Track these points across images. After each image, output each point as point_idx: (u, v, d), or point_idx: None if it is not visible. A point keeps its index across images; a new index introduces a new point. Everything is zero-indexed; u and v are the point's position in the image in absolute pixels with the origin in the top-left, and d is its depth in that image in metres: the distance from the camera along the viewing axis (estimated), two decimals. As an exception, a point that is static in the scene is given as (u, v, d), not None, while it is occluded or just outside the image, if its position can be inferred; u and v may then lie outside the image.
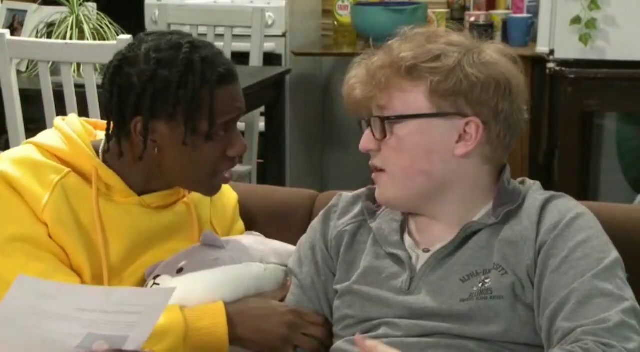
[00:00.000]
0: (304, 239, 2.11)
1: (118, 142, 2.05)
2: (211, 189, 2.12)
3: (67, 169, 2.06)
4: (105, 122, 2.09)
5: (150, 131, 2.01)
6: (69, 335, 1.75)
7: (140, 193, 2.10)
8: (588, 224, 1.90)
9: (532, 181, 2.02)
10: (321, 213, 2.11)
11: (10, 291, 1.69)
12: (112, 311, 1.73)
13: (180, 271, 2.06)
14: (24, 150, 2.09)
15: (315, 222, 2.10)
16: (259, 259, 2.11)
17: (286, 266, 2.12)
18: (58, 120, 2.15)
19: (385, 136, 1.91)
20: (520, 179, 2.01)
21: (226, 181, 2.12)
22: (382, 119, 1.91)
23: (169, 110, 1.99)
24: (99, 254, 2.05)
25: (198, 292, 2.03)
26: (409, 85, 1.89)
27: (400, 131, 1.90)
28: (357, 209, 2.05)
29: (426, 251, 1.95)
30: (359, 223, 2.04)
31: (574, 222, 1.88)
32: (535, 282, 1.85)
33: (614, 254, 1.87)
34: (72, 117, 2.17)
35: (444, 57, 1.88)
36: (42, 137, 2.12)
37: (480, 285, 1.87)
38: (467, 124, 1.88)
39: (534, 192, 1.96)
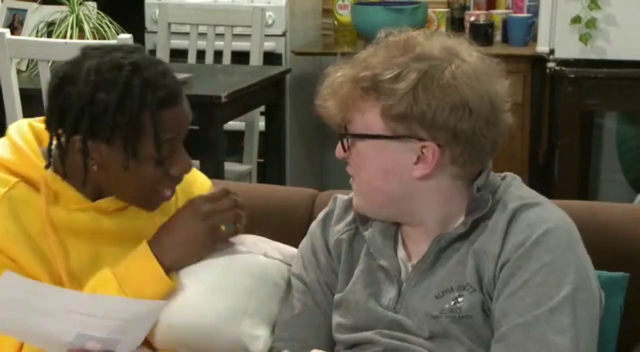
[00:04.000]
0: (305, 244, 2.10)
1: (60, 158, 2.01)
2: (149, 206, 2.08)
3: (15, 180, 2.02)
4: None
5: (90, 150, 1.97)
6: (61, 332, 1.76)
7: (94, 198, 2.06)
8: (556, 242, 1.84)
9: (512, 177, 1.97)
10: (319, 218, 2.10)
11: None
12: (100, 316, 1.74)
13: None
14: None
15: (315, 227, 2.09)
16: (263, 254, 2.11)
17: (288, 264, 2.12)
18: (10, 128, 2.11)
19: (345, 151, 1.93)
20: (502, 174, 1.98)
21: (167, 199, 2.07)
22: (341, 136, 1.92)
23: (107, 134, 1.95)
24: (54, 262, 2.02)
25: (207, 280, 2.02)
26: (367, 106, 1.88)
27: (359, 149, 1.91)
28: (350, 215, 2.04)
29: (414, 265, 1.95)
30: (354, 230, 2.03)
31: (541, 241, 1.84)
32: (494, 298, 1.84)
33: (580, 275, 1.83)
34: (22, 123, 2.13)
35: (402, 77, 1.84)
36: None
37: (452, 303, 1.87)
38: (423, 146, 1.86)
39: (509, 195, 1.91)
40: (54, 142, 2.01)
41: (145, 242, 2.02)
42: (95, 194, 2.06)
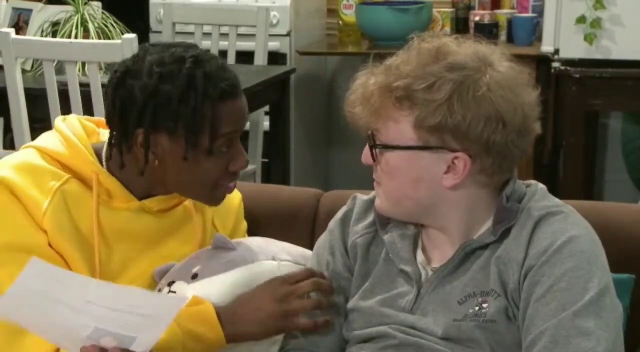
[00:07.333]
0: (322, 242, 2.09)
1: (120, 152, 2.05)
2: (213, 200, 2.11)
3: (67, 175, 2.05)
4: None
5: (152, 144, 2.00)
6: (79, 325, 1.76)
7: (141, 197, 2.10)
8: (580, 248, 1.85)
9: (537, 185, 1.98)
10: (338, 217, 2.09)
11: (23, 272, 1.70)
12: (120, 309, 1.74)
13: (194, 276, 2.06)
14: (25, 155, 2.09)
15: (334, 226, 2.08)
16: (271, 257, 2.11)
17: (299, 264, 2.11)
18: (58, 121, 2.14)
19: (375, 161, 1.92)
20: (527, 182, 1.98)
21: (230, 191, 2.11)
22: (371, 147, 1.91)
23: (170, 125, 1.98)
24: (96, 263, 2.04)
25: (215, 297, 2.02)
26: (399, 115, 1.87)
27: (389, 159, 1.90)
28: (370, 217, 2.04)
29: (434, 269, 1.95)
30: (373, 234, 2.03)
31: (564, 247, 1.84)
32: (521, 307, 1.84)
33: (603, 281, 1.83)
34: (72, 118, 2.16)
35: (437, 87, 1.84)
36: (43, 140, 2.11)
37: (476, 308, 1.87)
38: (455, 157, 1.86)
39: (535, 203, 1.91)
40: (115, 137, 2.04)
41: (213, 308, 1.99)
42: (144, 194, 2.09)
